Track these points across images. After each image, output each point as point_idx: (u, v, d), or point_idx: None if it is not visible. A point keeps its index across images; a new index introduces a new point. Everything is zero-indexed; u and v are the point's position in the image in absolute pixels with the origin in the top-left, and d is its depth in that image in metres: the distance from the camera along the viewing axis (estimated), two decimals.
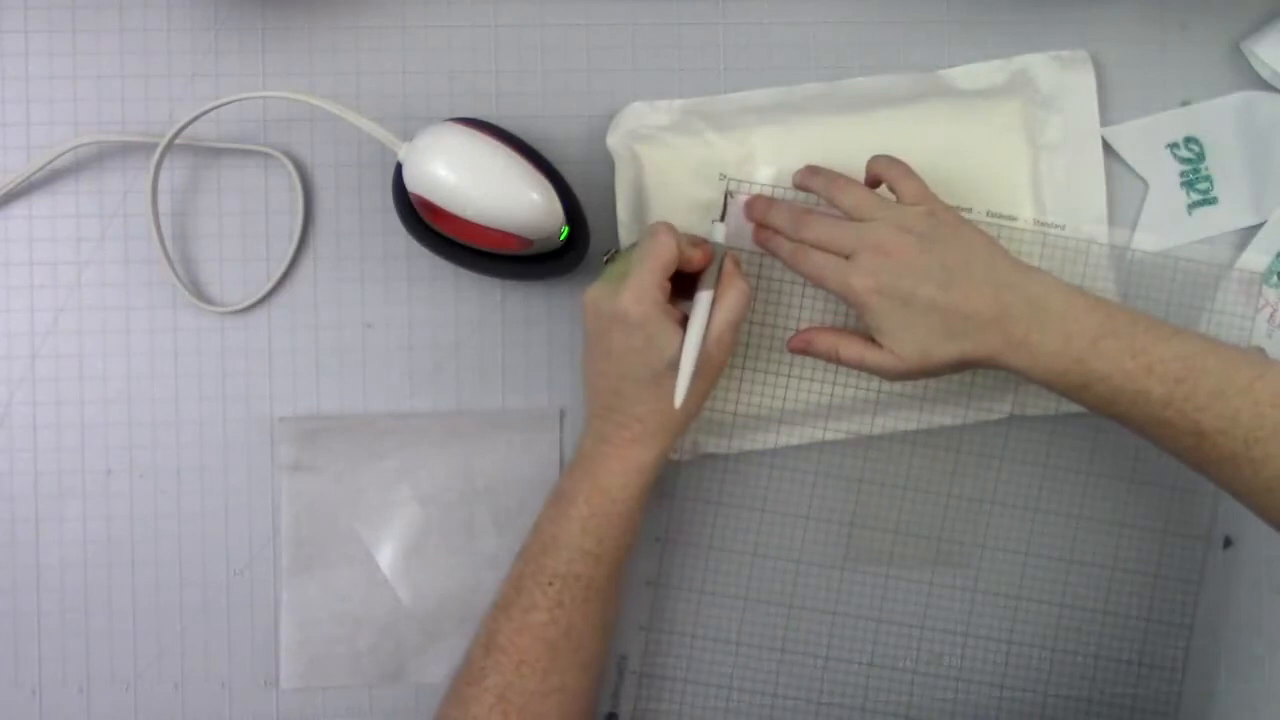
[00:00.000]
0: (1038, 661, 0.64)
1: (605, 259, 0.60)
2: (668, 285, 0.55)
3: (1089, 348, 0.52)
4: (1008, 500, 0.65)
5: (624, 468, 0.55)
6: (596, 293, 0.55)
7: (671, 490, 0.64)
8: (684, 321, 0.55)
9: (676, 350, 0.53)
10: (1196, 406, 0.51)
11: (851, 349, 0.56)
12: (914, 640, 0.64)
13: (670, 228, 0.55)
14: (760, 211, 0.60)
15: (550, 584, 0.55)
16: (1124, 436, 0.64)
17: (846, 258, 0.55)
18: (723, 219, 0.59)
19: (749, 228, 0.61)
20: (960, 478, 0.64)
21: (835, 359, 0.57)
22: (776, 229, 0.58)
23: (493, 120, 0.61)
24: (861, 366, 0.56)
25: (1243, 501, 0.52)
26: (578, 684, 0.55)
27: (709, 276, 0.56)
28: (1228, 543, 0.65)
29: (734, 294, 0.55)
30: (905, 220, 0.55)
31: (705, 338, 0.54)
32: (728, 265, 0.56)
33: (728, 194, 0.61)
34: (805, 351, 0.59)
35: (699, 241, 0.57)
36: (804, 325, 0.63)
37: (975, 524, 0.64)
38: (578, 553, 0.55)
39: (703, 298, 0.55)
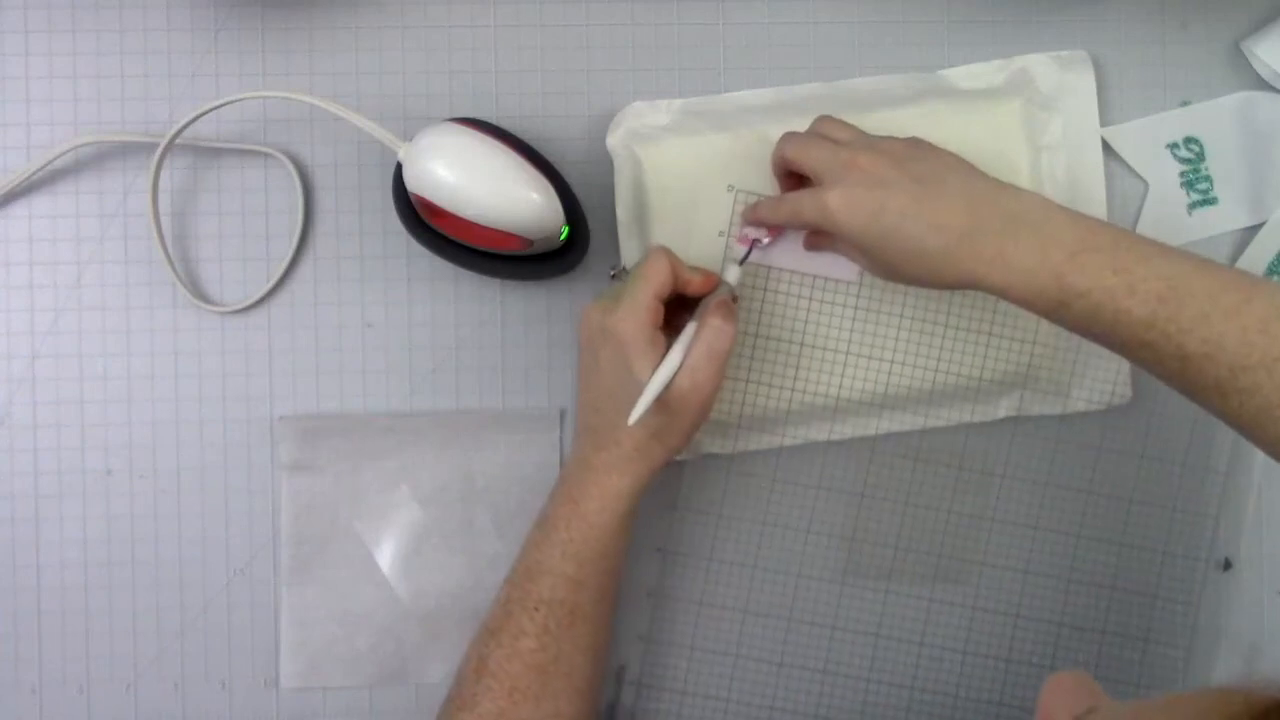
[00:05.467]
0: (1035, 679, 0.64)
1: (612, 274, 0.60)
2: (659, 308, 0.55)
3: (1067, 262, 0.49)
4: (1008, 517, 0.64)
5: (601, 492, 0.55)
6: (591, 308, 0.56)
7: (673, 501, 0.64)
8: (669, 349, 0.54)
9: (651, 374, 0.53)
10: (1180, 329, 0.47)
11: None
12: (912, 656, 0.64)
13: (666, 251, 0.55)
14: (754, 212, 0.60)
15: (536, 610, 0.55)
16: (1126, 456, 0.64)
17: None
18: (742, 263, 0.59)
19: (773, 249, 0.62)
20: (961, 494, 0.64)
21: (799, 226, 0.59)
22: (770, 219, 0.59)
23: (493, 120, 0.61)
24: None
25: (1232, 428, 0.50)
26: (573, 709, 0.55)
27: (701, 310, 0.55)
28: (1227, 565, 0.64)
29: (714, 331, 0.53)
30: (880, 143, 0.55)
31: (680, 366, 0.53)
32: (715, 301, 0.55)
33: (754, 241, 0.61)
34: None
35: (703, 270, 0.57)
36: (808, 334, 0.63)
37: (975, 540, 0.64)
38: (560, 578, 0.55)
39: (691, 328, 0.54)
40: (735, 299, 0.58)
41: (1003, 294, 0.51)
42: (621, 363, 0.53)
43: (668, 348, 0.54)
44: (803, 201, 0.55)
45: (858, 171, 0.53)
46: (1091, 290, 0.49)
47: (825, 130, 0.58)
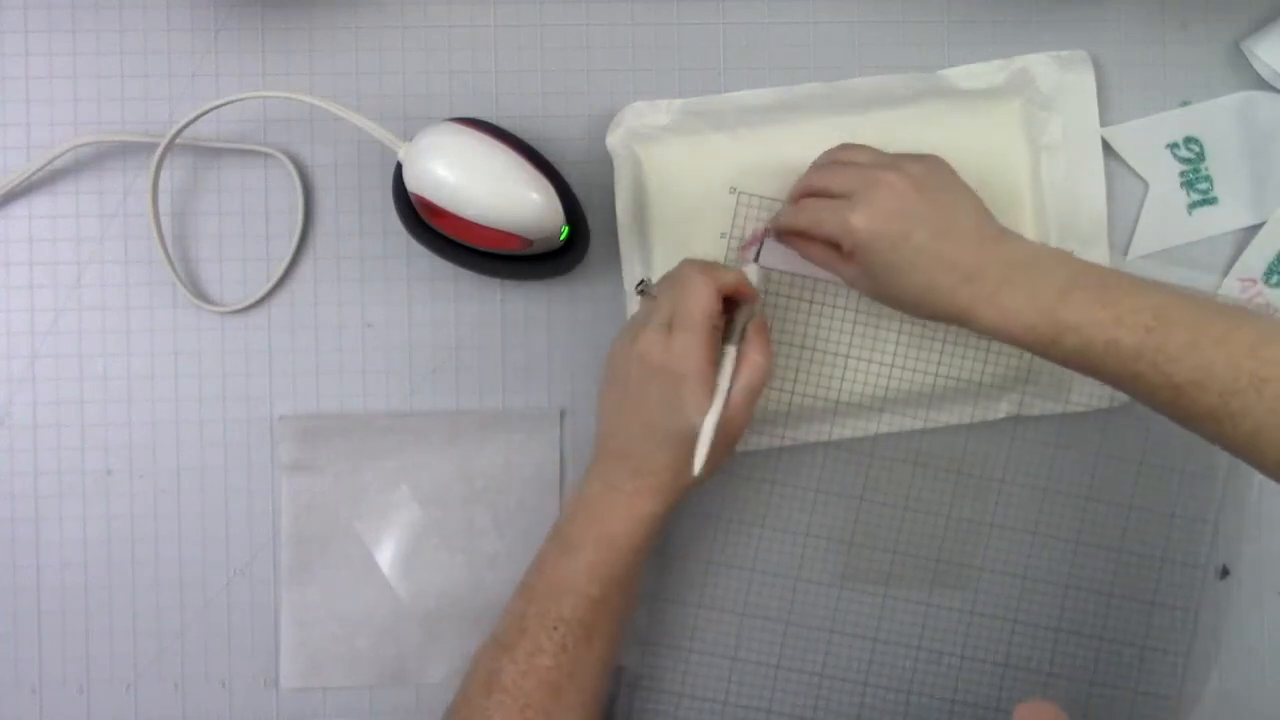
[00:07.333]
0: (1033, 685, 0.64)
1: (638, 288, 0.59)
2: (717, 339, 0.54)
3: (1057, 299, 0.51)
4: (1007, 523, 0.64)
5: (631, 516, 0.55)
6: (644, 338, 0.54)
7: None
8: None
9: (703, 416, 0.53)
10: (1169, 358, 0.49)
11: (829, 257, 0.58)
12: (910, 660, 0.64)
13: (703, 271, 0.54)
14: (774, 221, 0.60)
15: (555, 628, 0.54)
16: (1125, 462, 0.64)
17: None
18: (757, 259, 0.59)
19: (778, 250, 0.62)
20: (960, 499, 0.64)
21: (807, 257, 0.59)
22: (789, 224, 0.59)
23: (493, 120, 0.61)
24: (833, 272, 0.58)
25: (1229, 453, 0.50)
26: None
27: (735, 329, 0.55)
28: (1225, 572, 0.64)
29: (756, 369, 0.54)
30: (903, 164, 0.55)
31: (725, 406, 0.53)
32: (753, 327, 0.55)
33: (766, 229, 0.60)
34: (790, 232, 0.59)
35: (733, 270, 0.56)
36: (808, 336, 0.63)
37: (974, 546, 0.64)
38: (583, 598, 0.54)
39: (729, 355, 0.54)
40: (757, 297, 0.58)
41: (993, 333, 0.53)
42: (674, 399, 0.53)
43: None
44: (824, 213, 0.56)
45: (885, 189, 0.54)
46: (1081, 325, 0.50)
47: (846, 157, 0.58)
